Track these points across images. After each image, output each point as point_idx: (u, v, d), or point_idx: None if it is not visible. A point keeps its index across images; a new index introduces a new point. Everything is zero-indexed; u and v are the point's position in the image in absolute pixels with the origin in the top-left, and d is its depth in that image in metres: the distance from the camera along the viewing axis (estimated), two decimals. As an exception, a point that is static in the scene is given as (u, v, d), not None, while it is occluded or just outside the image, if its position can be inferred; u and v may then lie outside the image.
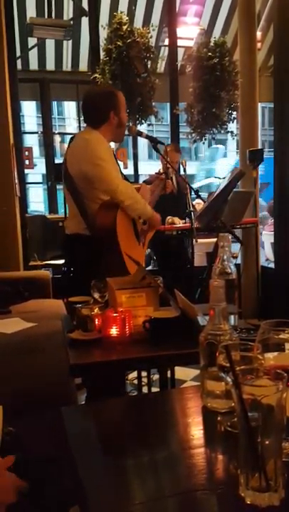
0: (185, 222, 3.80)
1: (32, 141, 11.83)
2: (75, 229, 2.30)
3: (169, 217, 3.96)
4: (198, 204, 4.35)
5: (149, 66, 4.16)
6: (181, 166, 3.85)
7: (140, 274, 1.80)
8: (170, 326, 1.49)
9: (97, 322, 1.55)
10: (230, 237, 1.41)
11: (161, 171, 2.66)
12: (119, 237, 2.17)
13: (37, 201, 15.31)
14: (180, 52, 5.27)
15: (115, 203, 2.21)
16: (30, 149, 4.70)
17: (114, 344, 1.49)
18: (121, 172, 2.40)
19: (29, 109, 18.08)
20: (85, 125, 2.41)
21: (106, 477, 0.79)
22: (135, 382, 3.05)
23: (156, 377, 2.63)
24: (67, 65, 6.64)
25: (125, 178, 2.49)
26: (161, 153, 2.92)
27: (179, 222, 3.92)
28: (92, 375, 1.46)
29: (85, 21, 5.28)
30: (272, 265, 5.51)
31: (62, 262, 2.61)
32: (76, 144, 2.31)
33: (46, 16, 5.35)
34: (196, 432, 0.95)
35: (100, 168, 2.17)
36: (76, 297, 1.78)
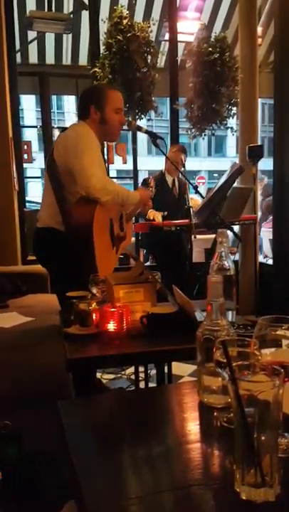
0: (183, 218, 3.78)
1: (31, 136, 11.79)
2: (49, 222, 2.23)
3: (150, 210, 3.81)
4: (195, 200, 4.34)
5: (149, 61, 4.14)
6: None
7: (138, 270, 1.80)
8: (167, 321, 1.49)
9: (94, 317, 1.55)
10: (228, 233, 1.41)
11: (153, 182, 2.54)
12: (94, 235, 2.09)
13: (36, 196, 15.32)
14: (180, 47, 5.25)
15: (92, 200, 2.12)
16: (29, 143, 4.67)
17: (111, 339, 1.49)
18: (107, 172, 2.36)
19: (28, 103, 18.00)
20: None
21: (102, 471, 0.79)
22: (132, 377, 3.05)
23: (153, 372, 2.64)
24: (67, 59, 6.60)
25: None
26: (160, 149, 2.91)
27: (158, 218, 3.85)
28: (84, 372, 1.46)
29: (85, 15, 5.25)
30: (270, 262, 5.51)
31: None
32: (67, 135, 2.27)
33: (46, 10, 5.32)
34: (193, 427, 0.96)
35: (78, 162, 2.10)
36: (74, 292, 1.77)
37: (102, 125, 2.28)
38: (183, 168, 3.79)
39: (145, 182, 2.53)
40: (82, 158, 2.10)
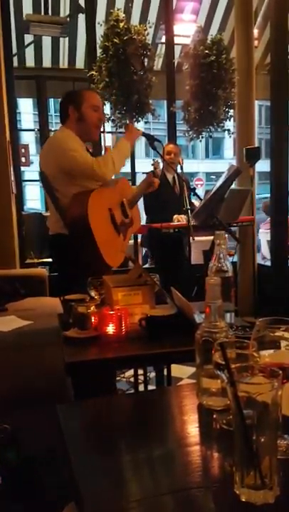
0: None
1: (29, 139, 11.81)
2: (55, 228, 2.31)
3: (175, 216, 3.98)
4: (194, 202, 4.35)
5: (146, 63, 4.15)
6: (178, 164, 3.85)
7: (136, 272, 1.80)
8: (166, 323, 1.49)
9: (93, 320, 1.55)
10: (226, 235, 1.41)
11: (158, 164, 2.64)
12: (93, 227, 2.14)
13: (33, 199, 15.30)
14: (177, 49, 5.26)
15: (85, 193, 2.19)
16: (26, 146, 4.67)
17: (110, 342, 1.49)
18: None
19: (26, 106, 18.01)
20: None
21: (101, 474, 0.79)
22: (132, 380, 3.05)
23: (152, 374, 2.64)
24: (63, 63, 6.61)
25: None
26: (158, 151, 2.91)
27: (183, 219, 3.91)
28: (86, 374, 1.46)
29: (81, 18, 5.25)
30: (268, 263, 5.52)
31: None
32: (49, 143, 2.37)
33: (43, 13, 5.33)
34: (192, 429, 0.96)
35: (72, 157, 2.19)
36: (72, 295, 1.77)
37: (80, 123, 2.34)
38: (181, 170, 3.80)
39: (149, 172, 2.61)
40: (74, 154, 2.20)
